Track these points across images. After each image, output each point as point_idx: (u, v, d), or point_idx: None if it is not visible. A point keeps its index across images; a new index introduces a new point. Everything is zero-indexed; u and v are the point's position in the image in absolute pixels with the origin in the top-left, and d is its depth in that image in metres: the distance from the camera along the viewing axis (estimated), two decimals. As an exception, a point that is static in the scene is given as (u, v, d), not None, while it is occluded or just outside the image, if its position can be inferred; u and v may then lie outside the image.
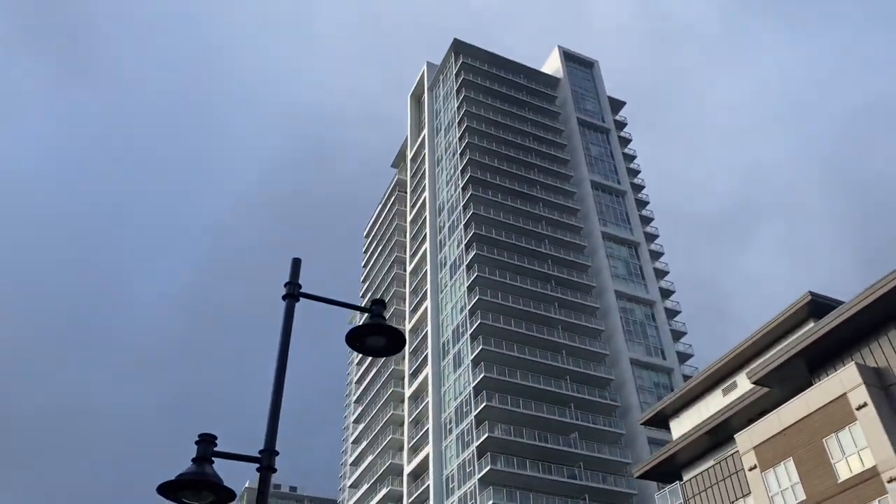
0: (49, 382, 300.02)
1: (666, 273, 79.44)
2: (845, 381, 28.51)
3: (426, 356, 74.46)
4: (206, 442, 7.13)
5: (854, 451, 27.62)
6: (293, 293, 8.61)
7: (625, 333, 70.99)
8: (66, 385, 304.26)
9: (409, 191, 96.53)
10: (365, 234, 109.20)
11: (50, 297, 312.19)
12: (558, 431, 62.30)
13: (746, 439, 32.52)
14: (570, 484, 59.45)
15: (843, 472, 27.76)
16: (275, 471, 7.42)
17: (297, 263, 8.91)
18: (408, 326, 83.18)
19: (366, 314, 8.40)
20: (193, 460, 7.03)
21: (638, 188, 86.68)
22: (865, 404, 27.55)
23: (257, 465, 7.39)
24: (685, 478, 38.26)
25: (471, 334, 66.59)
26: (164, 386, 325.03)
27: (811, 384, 31.18)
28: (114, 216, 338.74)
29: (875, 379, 28.30)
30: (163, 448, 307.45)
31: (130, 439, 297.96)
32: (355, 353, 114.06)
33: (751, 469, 31.87)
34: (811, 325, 31.78)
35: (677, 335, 74.61)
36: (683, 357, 72.90)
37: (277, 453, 7.53)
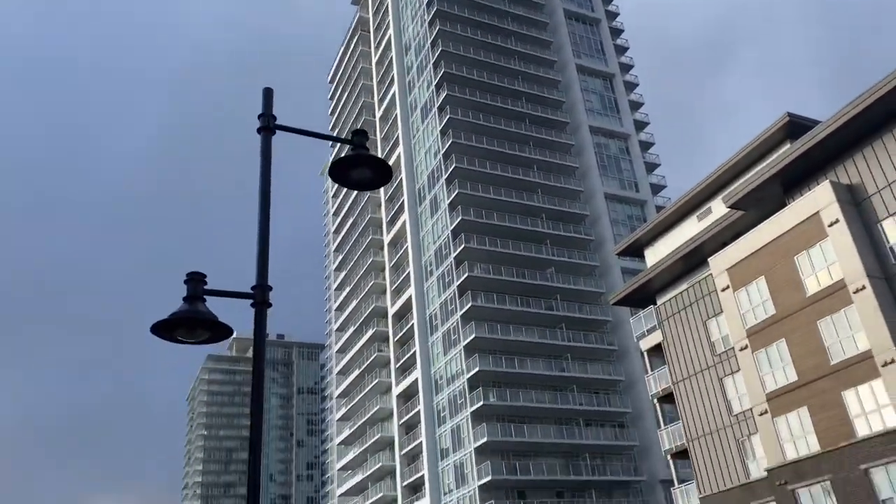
0: (24, 257, 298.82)
1: (640, 105, 78.40)
2: (819, 199, 28.99)
3: (402, 203, 74.52)
4: (196, 280, 6.86)
5: (824, 266, 28.64)
6: (268, 125, 7.99)
7: (599, 169, 71.18)
8: (41, 255, 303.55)
9: (371, 30, 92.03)
10: (329, 79, 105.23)
11: (16, 173, 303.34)
12: (535, 267, 63.98)
13: (720, 262, 33.56)
14: (548, 315, 61.96)
15: (812, 286, 28.95)
16: (269, 305, 7.23)
17: (268, 94, 8.15)
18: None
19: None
20: (184, 299, 6.79)
21: (612, 15, 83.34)
22: (837, 221, 28.22)
23: (251, 301, 7.19)
24: (659, 302, 39.88)
25: (446, 178, 66.29)
26: (140, 244, 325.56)
27: (785, 205, 31.74)
28: (76, 70, 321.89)
29: (847, 195, 28.80)
30: (146, 306, 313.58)
31: (114, 300, 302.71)
32: (331, 204, 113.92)
33: (723, 290, 33.14)
34: (788, 146, 31.78)
35: (651, 167, 75.03)
36: (657, 189, 73.79)
37: (271, 288, 7.31)
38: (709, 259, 34.44)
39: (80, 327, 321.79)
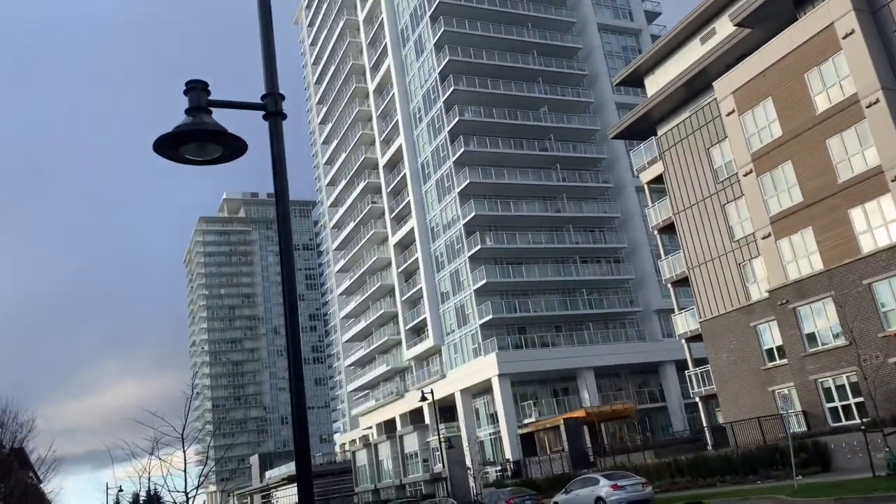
0: (7, 129, 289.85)
1: (633, -76, 72.77)
2: (833, 8, 27.26)
3: (385, 46, 70.97)
4: (199, 90, 5.85)
5: (835, 81, 27.46)
6: None
7: (591, -3, 67.33)
8: (26, 124, 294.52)
9: None
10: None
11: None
12: (527, 107, 62.12)
13: (725, 85, 32.24)
14: (542, 156, 61.01)
15: (822, 104, 27.93)
16: (285, 117, 6.32)
17: None
18: (361, 16, 78.06)
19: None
20: (187, 111, 5.82)
21: None
22: (852, 31, 26.69)
23: (263, 113, 6.25)
24: (660, 133, 38.91)
25: (430, 15, 62.68)
26: (127, 98, 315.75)
27: (796, 20, 29.97)
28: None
29: (864, 4, 27.06)
30: (136, 167, 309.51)
31: (103, 162, 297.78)
32: (309, 55, 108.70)
33: (728, 114, 32.09)
34: (802, -47, 29.48)
35: (645, -7, 71.01)
36: (652, 16, 70.33)
37: (283, 97, 6.36)
38: (713, 83, 33.07)
39: (72, 193, 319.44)
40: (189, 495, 20.79)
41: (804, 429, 28.80)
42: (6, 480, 32.20)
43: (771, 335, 31.77)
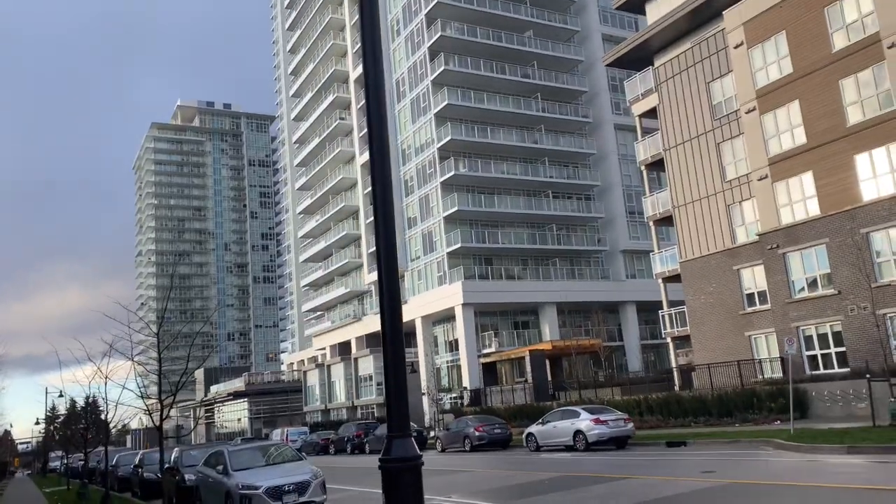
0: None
1: None
2: (867, -61, 25.55)
3: (366, -50, 66.47)
4: None
5: (857, 17, 26.01)
6: None
7: (586, -81, 63.92)
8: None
9: None
10: None
11: None
12: (512, 29, 59.33)
13: (736, 15, 30.52)
14: (523, 83, 58.72)
15: (840, 41, 26.53)
16: None
17: None
18: (340, -84, 72.86)
19: None
20: None
21: None
22: (883, -35, 25.12)
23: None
24: (657, 63, 37.18)
25: (417, -80, 58.58)
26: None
27: (820, -51, 28.19)
28: None
29: (899, -64, 25.40)
30: (92, 66, 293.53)
31: (59, 59, 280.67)
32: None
33: (736, 46, 30.48)
34: None
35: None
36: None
37: None
38: (724, 12, 31.29)
39: (28, 80, 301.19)
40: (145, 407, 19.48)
41: (780, 375, 28.55)
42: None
43: (754, 280, 31.19)
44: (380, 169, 4.36)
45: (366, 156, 65.98)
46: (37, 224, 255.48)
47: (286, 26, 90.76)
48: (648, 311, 61.44)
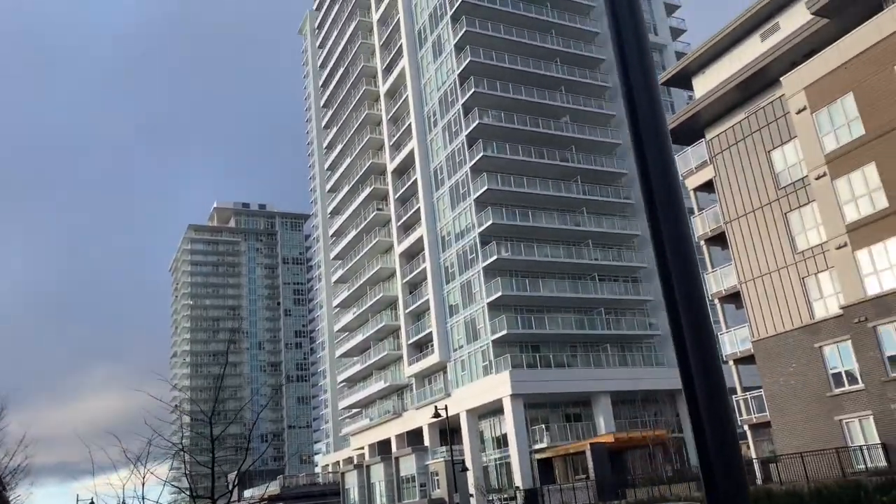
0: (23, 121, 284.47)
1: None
2: (936, -7, 24.53)
3: (400, 47, 68.19)
4: None
5: (934, 73, 24.63)
6: None
7: (616, 9, 64.98)
8: (41, 120, 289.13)
9: None
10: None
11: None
12: (549, 115, 59.33)
13: (795, 79, 29.36)
14: (562, 167, 58.08)
15: (916, 98, 25.06)
16: None
17: None
18: (375, 17, 75.38)
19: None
20: None
21: None
22: (957, 18, 23.94)
23: None
24: (708, 136, 35.98)
25: (451, 16, 59.99)
26: (135, 107, 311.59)
27: (882, 9, 27.27)
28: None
29: (971, -11, 24.35)
30: (137, 172, 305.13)
31: (108, 165, 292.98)
32: (311, 59, 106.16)
33: (799, 111, 29.16)
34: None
35: (671, 9, 68.96)
36: (676, 33, 68.21)
37: None
38: (781, 78, 30.19)
39: (72, 193, 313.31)
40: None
41: (884, 464, 25.45)
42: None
43: (839, 357, 28.50)
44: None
45: (405, 244, 65.18)
46: (77, 329, 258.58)
47: (322, 125, 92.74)
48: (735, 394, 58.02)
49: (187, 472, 19.71)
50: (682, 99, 63.12)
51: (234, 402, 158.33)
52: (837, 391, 28.35)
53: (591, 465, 36.16)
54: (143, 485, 22.26)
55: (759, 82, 33.45)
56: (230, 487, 15.56)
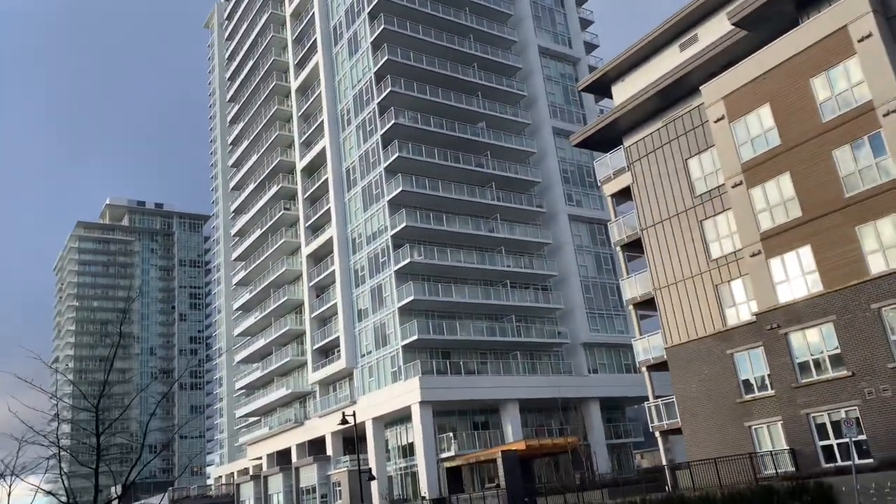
0: None
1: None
2: (850, 9, 25.22)
3: (315, 41, 66.00)
4: None
5: (846, 88, 25.28)
6: None
7: (534, 20, 65.57)
8: None
9: None
10: None
11: None
12: (465, 120, 58.75)
13: (714, 89, 29.73)
14: (477, 172, 57.56)
15: (829, 111, 25.70)
16: None
17: None
18: (288, 11, 72.82)
19: None
20: None
21: None
22: (869, 35, 24.66)
23: None
24: (627, 143, 36.12)
25: (368, 13, 58.48)
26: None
27: (798, 23, 27.99)
28: None
29: (880, 6, 25.22)
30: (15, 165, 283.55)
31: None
32: (217, 52, 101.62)
33: (717, 120, 29.51)
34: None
35: (585, 24, 70.18)
36: (590, 48, 69.35)
37: None
38: (701, 87, 30.53)
39: None
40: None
41: (792, 469, 25.78)
42: None
43: (750, 364, 28.89)
44: None
45: (313, 245, 62.85)
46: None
47: (228, 119, 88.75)
48: (611, 408, 58.74)
49: (64, 474, 17.14)
50: (593, 112, 64.17)
51: (119, 410, 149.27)
52: (747, 397, 28.70)
53: (501, 472, 35.28)
54: (10, 495, 19.53)
55: (677, 91, 33.81)
56: (115, 497, 13.52)
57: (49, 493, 15.64)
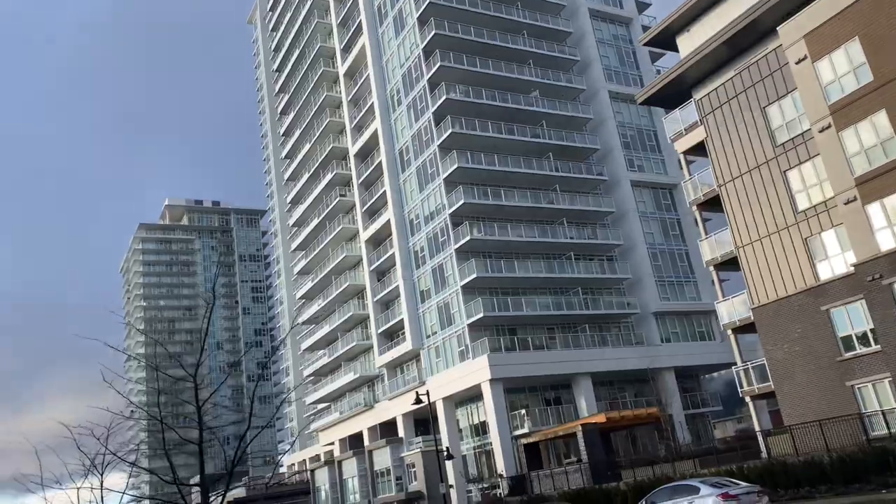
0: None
1: None
2: (949, -76, 22.95)
3: (360, 23, 65.21)
4: None
5: (948, 10, 23.08)
6: None
7: (582, -20, 63.29)
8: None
9: None
10: None
11: None
12: (518, 90, 57.17)
13: (794, 28, 27.63)
14: (534, 143, 56.02)
15: (929, 39, 23.51)
16: None
17: None
18: (331, -5, 72.21)
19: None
20: None
21: None
22: (973, -50, 22.41)
23: None
24: (697, 96, 34.21)
25: (413, -11, 57.31)
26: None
27: (885, -52, 25.66)
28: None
29: (985, -81, 22.85)
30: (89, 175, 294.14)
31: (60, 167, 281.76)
32: (262, 43, 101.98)
33: (798, 62, 27.43)
34: None
35: (636, -19, 67.41)
36: (642, 6, 66.70)
37: None
38: (778, 28, 28.47)
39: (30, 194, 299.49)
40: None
41: (904, 429, 23.96)
42: None
43: (848, 319, 26.98)
44: None
45: (371, 230, 62.44)
46: (32, 339, 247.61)
47: (278, 111, 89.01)
48: (685, 377, 56.86)
49: (167, 450, 16.97)
50: (650, 72, 61.73)
51: (192, 406, 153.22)
52: (848, 355, 26.83)
53: (582, 446, 34.19)
54: (101, 491, 19.63)
55: (749, 36, 31.74)
56: (227, 473, 13.52)
57: (151, 471, 15.63)
